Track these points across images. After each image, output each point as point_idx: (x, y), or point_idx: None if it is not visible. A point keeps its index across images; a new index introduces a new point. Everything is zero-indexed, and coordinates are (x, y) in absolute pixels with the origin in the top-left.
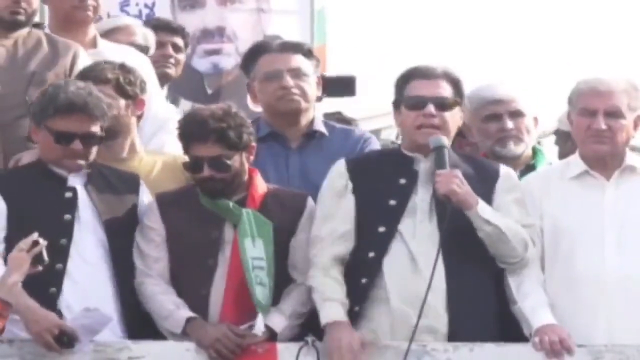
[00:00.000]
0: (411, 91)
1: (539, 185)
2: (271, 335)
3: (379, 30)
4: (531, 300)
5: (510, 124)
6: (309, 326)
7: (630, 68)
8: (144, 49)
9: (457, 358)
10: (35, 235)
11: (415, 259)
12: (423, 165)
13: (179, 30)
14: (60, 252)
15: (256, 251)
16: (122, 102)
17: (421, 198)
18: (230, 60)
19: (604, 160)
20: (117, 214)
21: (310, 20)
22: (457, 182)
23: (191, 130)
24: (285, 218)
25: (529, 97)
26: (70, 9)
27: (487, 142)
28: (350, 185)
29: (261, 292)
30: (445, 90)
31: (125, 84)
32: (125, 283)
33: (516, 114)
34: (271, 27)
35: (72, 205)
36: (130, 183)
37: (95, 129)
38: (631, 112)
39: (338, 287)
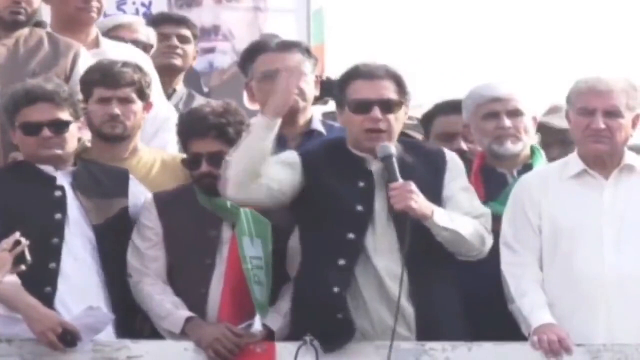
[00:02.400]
0: (354, 93)
1: (537, 184)
2: (268, 334)
3: (378, 30)
4: (529, 300)
5: (508, 122)
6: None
7: (629, 68)
8: (146, 47)
9: (455, 357)
10: (17, 235)
11: (379, 274)
12: (375, 167)
13: (184, 21)
14: (53, 252)
15: (255, 250)
16: (140, 104)
17: (379, 207)
18: (226, 58)
19: (603, 159)
20: (105, 210)
21: (307, 19)
22: (412, 197)
23: (191, 126)
24: (282, 217)
25: (529, 96)
26: (74, 10)
27: (485, 140)
28: (301, 174)
29: (259, 291)
30: (389, 90)
31: (145, 87)
32: (114, 282)
33: (515, 113)
34: (268, 26)
35: (61, 204)
36: (119, 178)
37: (63, 115)
38: (630, 111)
39: None
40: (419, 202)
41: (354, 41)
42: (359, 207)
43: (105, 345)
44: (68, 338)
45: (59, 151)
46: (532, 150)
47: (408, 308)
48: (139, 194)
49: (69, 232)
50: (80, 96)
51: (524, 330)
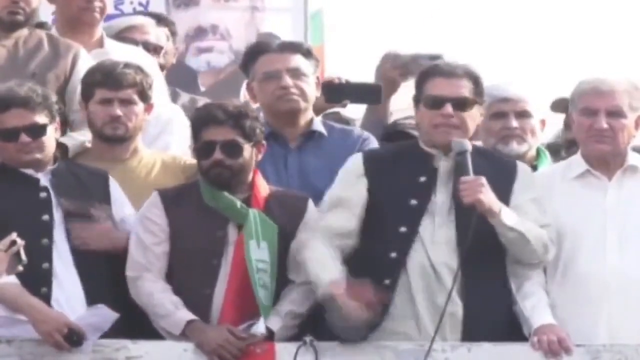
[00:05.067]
0: (431, 89)
1: (540, 184)
2: (269, 335)
3: (377, 31)
4: (531, 301)
5: (515, 123)
6: (307, 326)
7: (630, 68)
8: (156, 48)
9: (455, 358)
10: (14, 235)
11: (434, 266)
12: (443, 164)
13: (161, 19)
14: (44, 252)
15: (260, 253)
16: (142, 105)
17: (441, 200)
18: (223, 57)
19: (606, 160)
20: (84, 210)
21: (304, 18)
22: (482, 191)
23: (209, 114)
24: (286, 220)
25: (539, 99)
26: (77, 11)
27: (491, 140)
28: (365, 181)
29: (264, 295)
30: (465, 89)
31: (147, 89)
32: (94, 282)
33: (523, 115)
34: (265, 25)
35: (47, 205)
36: (99, 181)
37: (40, 119)
38: (632, 112)
39: (334, 261)
40: (489, 197)
41: (353, 42)
42: (413, 201)
43: (105, 345)
44: (74, 338)
45: (38, 155)
46: (538, 152)
47: (457, 305)
48: (122, 200)
49: (56, 233)
50: (54, 98)
51: (526, 331)
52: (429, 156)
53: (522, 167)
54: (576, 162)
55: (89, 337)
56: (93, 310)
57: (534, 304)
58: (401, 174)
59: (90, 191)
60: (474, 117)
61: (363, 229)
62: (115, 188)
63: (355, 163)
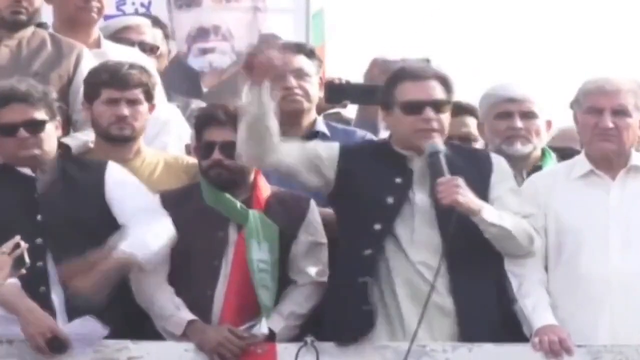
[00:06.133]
0: (405, 94)
1: (544, 184)
2: (270, 336)
3: (379, 31)
4: (532, 300)
5: (520, 123)
6: (308, 327)
7: (636, 68)
8: (153, 48)
9: (455, 358)
10: (17, 238)
11: (414, 266)
12: (417, 165)
13: (155, 21)
14: (37, 251)
15: (261, 254)
16: (146, 105)
17: (420, 199)
18: (225, 58)
19: (610, 159)
20: (80, 208)
21: (306, 19)
22: (460, 192)
23: (210, 114)
24: (287, 221)
25: (545, 99)
26: (74, 10)
27: (496, 140)
28: (335, 169)
29: (265, 295)
30: (438, 91)
31: (152, 89)
32: None
33: (528, 115)
34: (267, 26)
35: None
36: (95, 172)
37: (39, 115)
38: (638, 111)
39: None
40: (467, 196)
41: (354, 41)
42: (390, 200)
43: (106, 346)
44: (55, 344)
45: (36, 151)
46: (543, 152)
47: (448, 303)
48: (122, 184)
49: (51, 233)
50: (55, 95)
51: (526, 331)
52: (402, 157)
53: (496, 160)
54: (580, 162)
55: (76, 348)
56: (84, 321)
57: (535, 303)
58: (376, 173)
59: (81, 188)
60: (448, 117)
61: (340, 226)
62: (112, 174)
63: (332, 149)
